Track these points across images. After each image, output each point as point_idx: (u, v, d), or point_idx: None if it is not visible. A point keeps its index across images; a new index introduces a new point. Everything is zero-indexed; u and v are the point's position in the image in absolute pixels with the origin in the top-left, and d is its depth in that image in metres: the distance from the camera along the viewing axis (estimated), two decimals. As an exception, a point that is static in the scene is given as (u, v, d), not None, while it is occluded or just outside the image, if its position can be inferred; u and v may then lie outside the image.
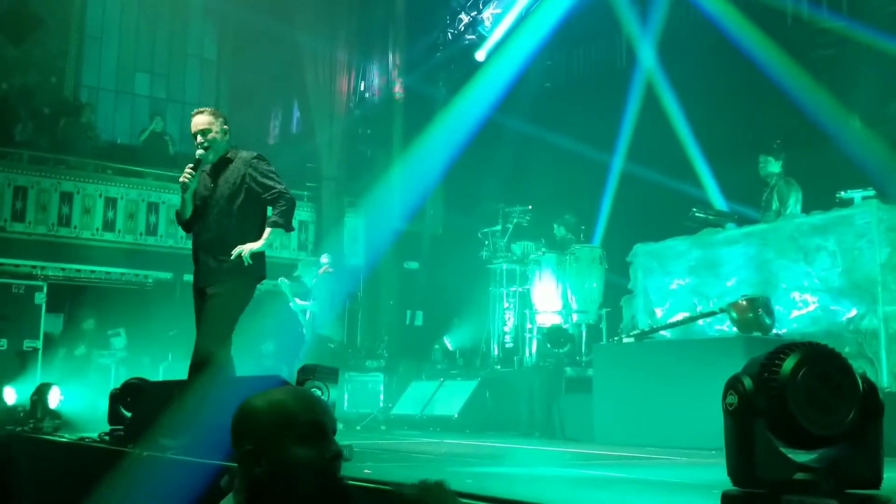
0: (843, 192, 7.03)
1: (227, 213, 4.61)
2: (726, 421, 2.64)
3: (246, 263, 4.52)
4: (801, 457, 2.59)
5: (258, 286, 4.86)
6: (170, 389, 4.68)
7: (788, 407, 2.50)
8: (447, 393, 8.93)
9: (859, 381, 2.57)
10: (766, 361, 2.56)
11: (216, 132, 4.75)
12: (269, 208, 4.72)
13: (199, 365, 4.38)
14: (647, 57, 10.84)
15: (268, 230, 4.60)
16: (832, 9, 9.21)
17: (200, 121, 4.77)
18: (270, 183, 4.66)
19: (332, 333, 9.35)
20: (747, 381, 2.56)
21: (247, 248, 4.53)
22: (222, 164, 4.75)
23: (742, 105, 9.64)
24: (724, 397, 2.63)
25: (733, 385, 2.61)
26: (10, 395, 8.00)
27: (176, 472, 3.74)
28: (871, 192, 6.93)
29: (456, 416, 8.45)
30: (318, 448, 1.89)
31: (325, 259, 10.25)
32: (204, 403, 4.07)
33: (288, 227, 4.67)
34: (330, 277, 9.79)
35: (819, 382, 2.54)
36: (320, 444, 1.90)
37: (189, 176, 4.67)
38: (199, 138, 4.73)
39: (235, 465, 1.97)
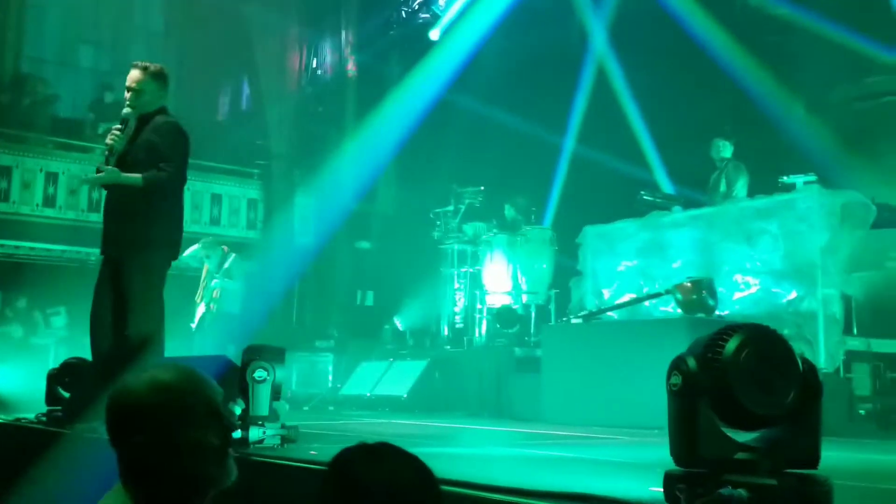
0: (785, 177, 7.18)
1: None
2: (670, 401, 2.66)
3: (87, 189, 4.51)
4: (742, 437, 2.63)
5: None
6: (101, 370, 4.56)
7: (731, 387, 2.52)
8: (397, 373, 8.92)
9: (799, 363, 2.61)
10: (710, 342, 2.58)
11: (145, 95, 4.58)
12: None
13: (133, 344, 4.27)
14: (600, 40, 10.89)
15: (136, 177, 4.43)
16: (777, -6, 9.33)
17: (132, 76, 4.60)
18: (168, 153, 4.48)
19: (238, 312, 9.28)
20: (691, 361, 2.58)
21: (96, 178, 4.48)
22: (141, 123, 4.59)
23: (690, 89, 9.74)
24: (669, 377, 2.65)
25: (677, 365, 2.63)
26: (-56, 375, 7.77)
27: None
28: (812, 178, 7.08)
29: (405, 396, 8.44)
30: (214, 429, 1.72)
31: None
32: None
33: (143, 186, 4.44)
34: (240, 257, 9.77)
35: (761, 363, 2.57)
36: (216, 425, 1.72)
37: (115, 136, 4.52)
38: (128, 95, 4.59)
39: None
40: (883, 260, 6.75)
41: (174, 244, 4.63)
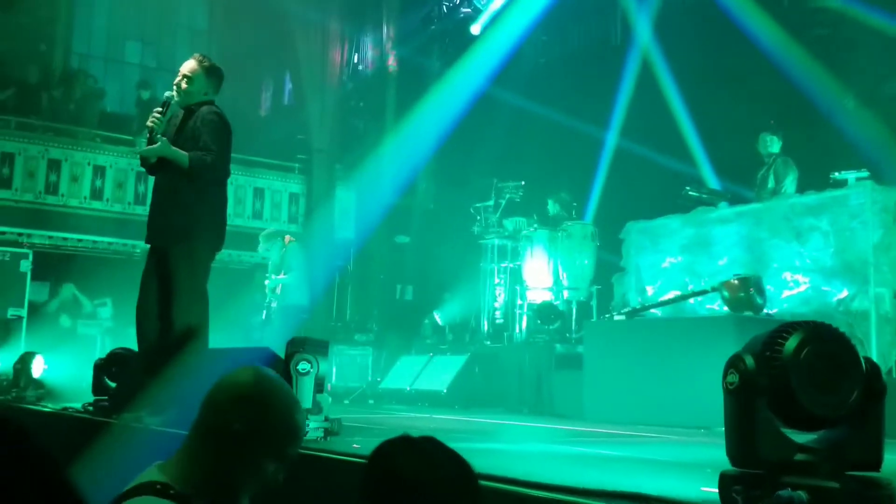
0: (837, 173, 7.00)
1: (179, 168, 4.51)
2: (726, 400, 2.59)
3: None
4: (801, 437, 2.55)
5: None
6: (147, 360, 4.60)
7: (791, 386, 2.45)
8: (436, 368, 8.90)
9: (862, 362, 2.53)
10: (769, 340, 2.51)
11: (194, 85, 4.64)
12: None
13: (180, 335, 4.30)
14: (643, 33, 10.74)
15: (183, 153, 4.48)
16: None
17: (189, 65, 4.71)
18: (209, 140, 4.52)
19: (306, 303, 9.23)
20: (749, 360, 2.51)
21: (150, 149, 4.50)
22: (187, 115, 4.65)
23: (737, 83, 9.56)
24: (725, 376, 2.58)
25: (734, 363, 2.56)
26: (-6, 364, 7.91)
27: (160, 445, 3.68)
28: (865, 174, 6.90)
29: (445, 391, 8.42)
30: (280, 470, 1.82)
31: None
32: (190, 376, 4.00)
33: (189, 166, 4.48)
34: (298, 247, 9.65)
35: (822, 362, 2.49)
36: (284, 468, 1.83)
37: (156, 118, 4.55)
38: (179, 80, 4.66)
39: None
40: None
41: (218, 235, 4.65)
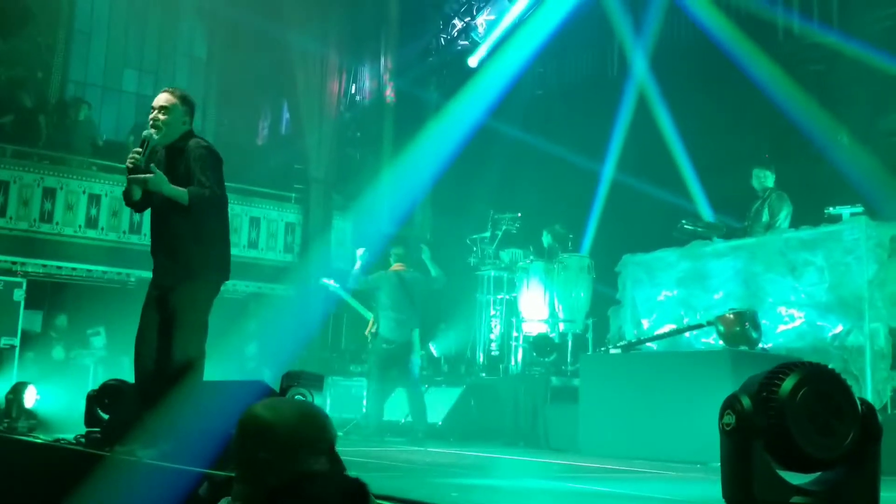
0: (831, 208, 7.04)
1: (177, 206, 4.43)
2: (723, 441, 2.58)
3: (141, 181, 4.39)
4: (798, 479, 2.54)
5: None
6: (142, 393, 4.56)
7: (787, 428, 2.45)
8: (431, 400, 8.84)
9: (859, 404, 2.53)
10: (766, 380, 2.51)
11: (171, 115, 4.52)
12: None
13: (176, 368, 4.27)
14: (640, 67, 10.83)
15: (182, 190, 4.35)
16: (823, 23, 9.21)
17: (163, 97, 4.56)
18: (203, 176, 4.41)
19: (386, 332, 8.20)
20: (745, 401, 2.51)
21: (145, 177, 4.34)
22: (175, 152, 4.54)
23: (732, 117, 9.64)
24: (721, 416, 2.58)
25: (731, 404, 2.56)
26: (-14, 394, 7.84)
27: (154, 479, 3.65)
28: (859, 209, 6.94)
29: (440, 423, 8.37)
30: (328, 464, 2.00)
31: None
32: (184, 409, 3.97)
33: (189, 203, 4.36)
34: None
35: (819, 403, 2.49)
36: (330, 460, 2.01)
37: (136, 157, 4.45)
38: (154, 114, 4.53)
39: (234, 472, 2.00)
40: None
41: (223, 269, 4.62)
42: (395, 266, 8.35)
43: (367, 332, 8.45)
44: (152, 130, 4.52)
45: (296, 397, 4.20)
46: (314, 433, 1.98)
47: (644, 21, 10.79)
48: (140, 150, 4.47)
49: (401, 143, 12.80)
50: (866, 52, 8.63)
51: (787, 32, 9.51)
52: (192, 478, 3.28)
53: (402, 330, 8.06)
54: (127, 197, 4.61)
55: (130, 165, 4.44)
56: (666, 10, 10.58)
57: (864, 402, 2.58)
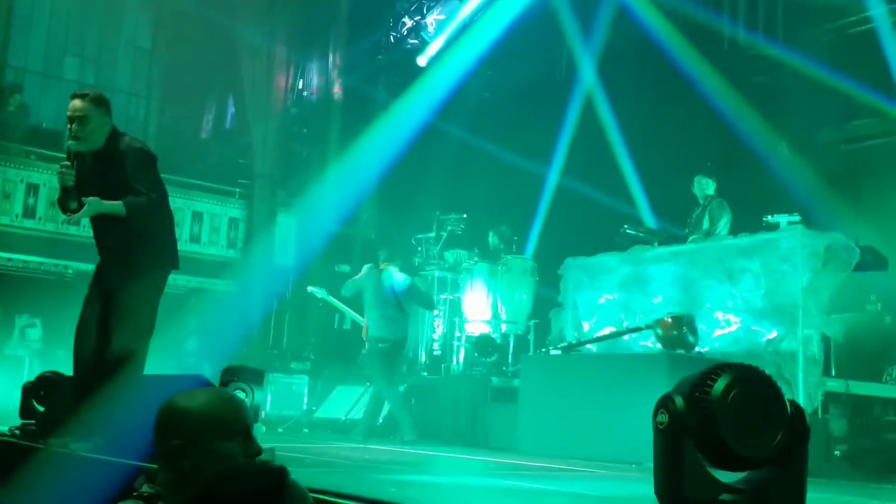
0: (769, 217, 7.22)
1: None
2: (656, 439, 2.63)
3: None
4: (727, 477, 2.61)
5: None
6: (80, 386, 4.47)
7: (718, 427, 2.50)
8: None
9: (788, 405, 2.60)
10: (698, 381, 2.56)
11: (92, 121, 4.39)
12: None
13: (114, 361, 4.20)
14: (587, 72, 10.97)
15: (117, 204, 4.28)
16: (768, 35, 9.45)
17: (77, 106, 4.39)
18: (137, 181, 4.33)
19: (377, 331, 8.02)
20: (678, 400, 2.56)
21: (79, 214, 4.27)
22: (105, 156, 4.43)
23: (677, 125, 9.82)
24: (655, 415, 2.62)
25: (664, 403, 2.60)
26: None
27: (88, 471, 3.59)
28: (796, 218, 7.13)
29: (380, 421, 8.35)
30: (242, 445, 2.03)
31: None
32: (121, 402, 3.91)
33: (127, 215, 4.31)
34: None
35: (749, 404, 2.55)
36: (244, 442, 2.04)
37: (66, 174, 4.32)
38: (73, 126, 4.38)
39: (156, 463, 2.04)
40: (863, 303, 6.80)
41: (168, 262, 4.56)
42: (382, 266, 8.27)
43: (363, 336, 8.31)
44: (73, 142, 4.39)
45: (235, 392, 4.16)
46: (227, 416, 2.01)
47: (593, 26, 10.94)
48: (68, 164, 4.34)
49: (347, 140, 12.74)
50: (808, 66, 8.88)
51: (732, 43, 9.73)
52: (127, 471, 3.24)
53: (394, 327, 8.04)
54: (63, 207, 4.50)
55: (63, 182, 4.33)
56: (615, 16, 10.73)
57: (793, 403, 2.65)
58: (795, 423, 2.49)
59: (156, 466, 2.13)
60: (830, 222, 7.28)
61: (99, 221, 4.49)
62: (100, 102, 4.46)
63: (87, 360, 4.35)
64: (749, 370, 2.58)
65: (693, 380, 2.54)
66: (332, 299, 9.30)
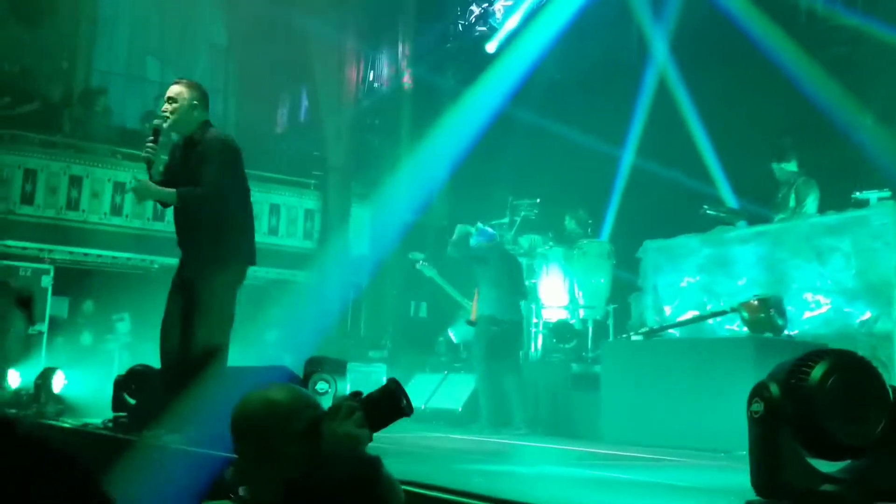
0: (858, 193, 6.94)
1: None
2: (751, 428, 2.57)
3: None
4: (827, 467, 2.53)
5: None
6: (168, 379, 4.61)
7: (816, 415, 2.44)
8: (451, 386, 8.86)
9: (889, 391, 2.51)
10: (794, 368, 2.49)
11: (184, 103, 4.57)
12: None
13: (196, 354, 4.31)
14: (660, 51, 10.74)
15: (170, 191, 4.44)
16: (847, 5, 9.08)
17: (173, 89, 4.64)
18: (206, 170, 4.46)
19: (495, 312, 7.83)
20: (774, 388, 2.50)
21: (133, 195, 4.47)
22: (191, 144, 4.60)
23: (755, 101, 9.52)
24: (749, 404, 2.57)
25: (759, 392, 2.55)
26: (15, 379, 7.96)
27: (180, 464, 3.69)
28: (887, 193, 6.84)
29: (460, 409, 8.38)
30: (300, 446, 1.94)
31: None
32: (207, 394, 4.01)
33: (181, 203, 4.47)
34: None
35: (848, 391, 2.48)
36: (304, 441, 1.94)
37: (150, 149, 4.50)
38: (165, 106, 4.60)
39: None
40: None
41: (245, 257, 4.65)
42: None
43: (471, 319, 8.16)
44: (160, 120, 4.57)
45: (319, 383, 4.22)
46: (279, 422, 1.94)
47: (663, 3, 10.70)
48: (153, 139, 4.52)
49: (419, 129, 12.78)
50: (890, 33, 8.50)
51: (809, 14, 9.39)
52: (217, 462, 3.32)
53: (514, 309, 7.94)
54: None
55: (146, 157, 4.52)
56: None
57: (895, 389, 2.55)
58: None
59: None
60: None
61: (175, 214, 4.64)
62: (194, 88, 4.65)
63: (172, 352, 4.48)
64: (847, 356, 2.49)
65: (789, 367, 2.47)
66: (436, 275, 9.31)
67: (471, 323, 8.21)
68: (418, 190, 12.37)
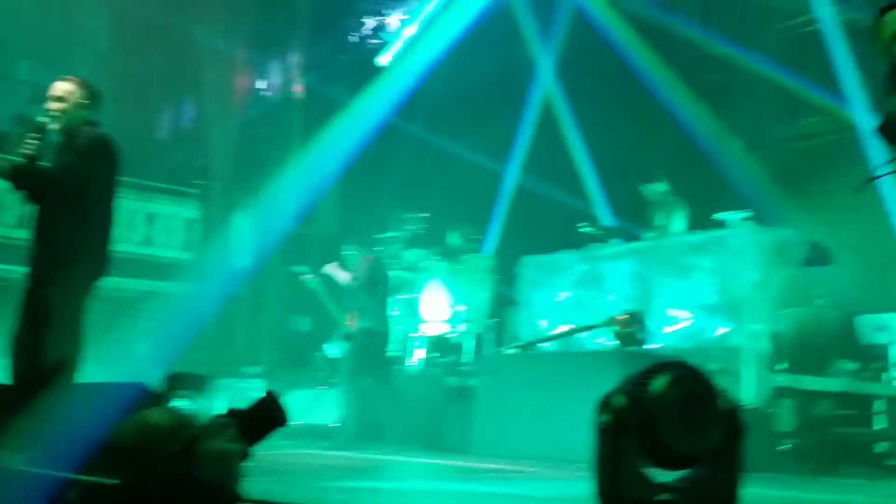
0: (721, 214, 7.29)
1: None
2: (597, 438, 2.62)
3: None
4: (670, 476, 2.59)
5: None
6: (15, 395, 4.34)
7: (656, 425, 2.49)
8: (327, 402, 8.74)
9: (724, 402, 2.59)
10: (638, 380, 2.55)
11: (72, 102, 4.41)
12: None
13: (45, 369, 4.08)
14: (546, 71, 10.99)
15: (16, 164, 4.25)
16: (722, 34, 9.51)
17: (60, 87, 4.45)
18: (72, 156, 4.31)
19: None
20: (619, 399, 2.55)
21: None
22: (68, 140, 4.42)
23: (633, 124, 9.86)
24: (597, 415, 2.62)
25: (606, 402, 2.60)
26: None
27: (21, 485, 3.48)
28: (748, 214, 7.20)
29: (334, 425, 8.26)
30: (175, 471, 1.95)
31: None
32: (53, 412, 3.80)
33: (13, 181, 4.27)
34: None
35: (687, 401, 2.54)
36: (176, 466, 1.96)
37: (32, 144, 4.28)
38: (52, 104, 4.41)
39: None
40: (811, 298, 6.87)
41: (98, 262, 4.44)
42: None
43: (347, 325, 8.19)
44: (45, 119, 4.37)
45: (178, 400, 4.06)
46: (146, 454, 1.94)
47: (551, 26, 10.97)
48: (35, 136, 4.31)
49: (307, 140, 12.62)
50: (760, 64, 8.96)
51: (686, 42, 9.78)
52: (61, 483, 3.14)
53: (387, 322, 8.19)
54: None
55: (28, 153, 4.28)
56: (572, 15, 10.77)
57: (731, 401, 2.65)
58: (732, 421, 2.49)
59: (90, 479, 2.04)
60: (780, 219, 7.35)
61: (31, 210, 4.41)
62: (83, 86, 4.45)
63: (20, 367, 4.23)
64: (688, 368, 2.56)
65: (634, 378, 2.53)
66: (319, 286, 9.16)
67: (348, 337, 8.16)
68: (304, 201, 12.19)
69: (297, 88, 13.90)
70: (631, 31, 10.10)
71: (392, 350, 9.30)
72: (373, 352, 7.73)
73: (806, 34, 8.83)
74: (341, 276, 8.34)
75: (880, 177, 6.63)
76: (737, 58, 9.27)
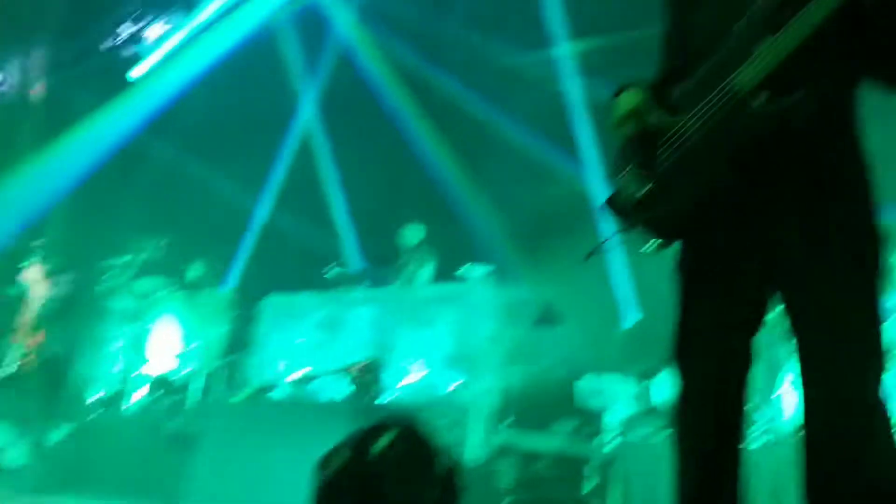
0: (464, 267, 7.48)
1: None
2: (315, 495, 2.53)
3: None
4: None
5: None
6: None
7: (377, 484, 2.45)
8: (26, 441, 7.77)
9: (444, 461, 2.58)
10: (362, 437, 2.52)
11: None
12: None
13: None
14: (308, 106, 10.88)
15: None
16: (481, 94, 9.87)
17: None
18: None
19: None
20: (340, 457, 2.49)
21: None
22: None
23: (390, 169, 9.96)
24: (318, 471, 2.54)
25: (327, 460, 2.53)
26: None
27: None
28: (489, 269, 7.44)
29: (31, 466, 7.35)
30: None
31: None
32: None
33: None
34: None
35: (408, 461, 2.52)
36: None
37: None
38: None
39: None
40: (539, 356, 7.17)
41: None
42: None
43: None
44: None
45: None
46: None
47: (317, 62, 10.90)
48: None
49: (41, 146, 11.47)
50: (511, 127, 9.41)
51: (446, 97, 10.07)
52: None
53: None
54: None
55: None
56: (340, 55, 10.77)
57: (451, 460, 2.62)
58: (450, 481, 2.48)
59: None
60: (518, 277, 7.67)
61: None
62: None
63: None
64: (411, 426, 2.52)
65: (358, 435, 2.51)
66: None
67: None
68: (27, 214, 11.01)
69: (37, 89, 12.68)
70: (394, 78, 10.27)
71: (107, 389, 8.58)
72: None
73: (555, 102, 9.41)
74: None
75: (606, 247, 7.09)
76: (492, 118, 9.68)
